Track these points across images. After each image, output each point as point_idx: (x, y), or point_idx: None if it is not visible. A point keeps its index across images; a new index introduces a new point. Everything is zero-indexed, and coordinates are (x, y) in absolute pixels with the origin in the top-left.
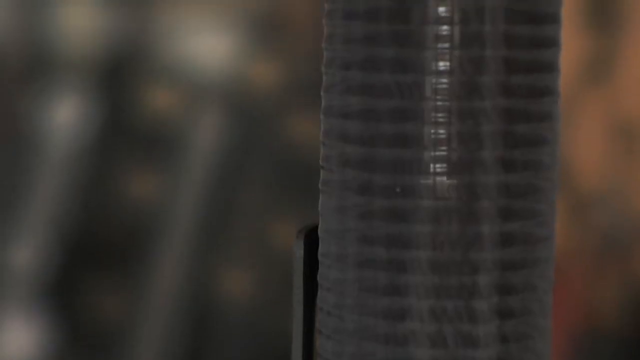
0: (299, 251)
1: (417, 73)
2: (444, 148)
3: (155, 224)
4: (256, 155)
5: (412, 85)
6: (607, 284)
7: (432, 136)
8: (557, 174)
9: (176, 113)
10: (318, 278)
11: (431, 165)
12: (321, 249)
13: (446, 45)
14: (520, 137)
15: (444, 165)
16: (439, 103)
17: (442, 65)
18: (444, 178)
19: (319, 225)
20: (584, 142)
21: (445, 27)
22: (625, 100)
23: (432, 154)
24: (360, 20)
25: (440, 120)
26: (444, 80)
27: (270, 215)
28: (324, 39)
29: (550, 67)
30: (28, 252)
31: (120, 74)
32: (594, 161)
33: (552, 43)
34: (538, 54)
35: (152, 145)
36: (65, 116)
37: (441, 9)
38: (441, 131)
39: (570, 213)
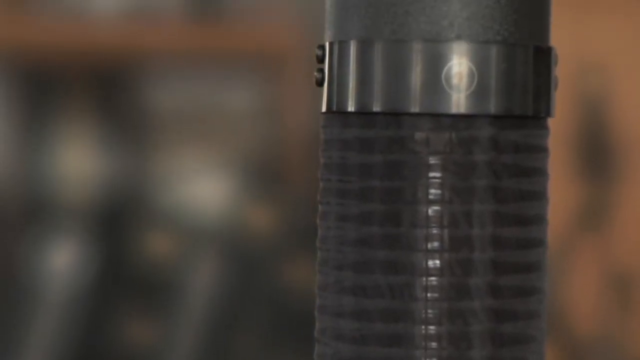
0: None
1: (407, 274)
2: (434, 345)
3: None
4: (253, 301)
5: (403, 286)
6: None
7: (423, 332)
8: None
9: (173, 258)
10: None
11: None
12: None
13: (436, 245)
14: (508, 336)
15: None
16: (430, 302)
17: (432, 265)
18: None
19: None
20: (578, 289)
21: (435, 229)
22: (618, 247)
23: (424, 351)
24: (353, 223)
25: (431, 318)
26: (434, 279)
27: None
28: (318, 240)
29: (537, 267)
30: None
31: (117, 219)
32: (588, 308)
33: (539, 243)
34: (525, 255)
35: (149, 290)
36: (62, 261)
37: (431, 212)
38: (431, 327)
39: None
